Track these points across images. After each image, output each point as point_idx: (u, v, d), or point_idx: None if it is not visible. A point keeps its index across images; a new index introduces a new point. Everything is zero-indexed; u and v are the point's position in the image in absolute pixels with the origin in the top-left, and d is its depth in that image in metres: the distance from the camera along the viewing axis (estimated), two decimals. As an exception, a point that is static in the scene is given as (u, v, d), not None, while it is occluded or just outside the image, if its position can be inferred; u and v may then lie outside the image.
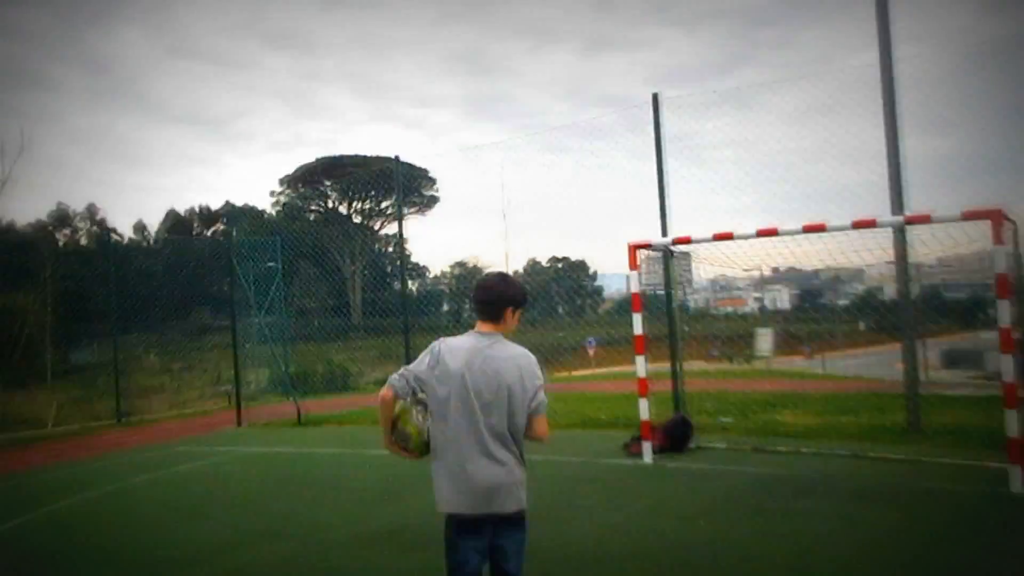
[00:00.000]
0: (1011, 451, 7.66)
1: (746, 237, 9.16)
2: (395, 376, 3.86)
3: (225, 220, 65.93)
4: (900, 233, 10.62)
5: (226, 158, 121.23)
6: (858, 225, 8.44)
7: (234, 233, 20.18)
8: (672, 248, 10.58)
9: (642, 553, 6.45)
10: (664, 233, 11.77)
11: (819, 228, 8.70)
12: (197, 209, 66.99)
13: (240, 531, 7.90)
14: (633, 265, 10.07)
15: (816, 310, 65.92)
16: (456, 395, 3.72)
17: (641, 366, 10.08)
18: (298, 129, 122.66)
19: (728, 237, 9.24)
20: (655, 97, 12.01)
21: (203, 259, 61.90)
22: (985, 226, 7.72)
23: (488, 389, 3.72)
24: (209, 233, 68.85)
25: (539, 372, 3.87)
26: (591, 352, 39.65)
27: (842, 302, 69.09)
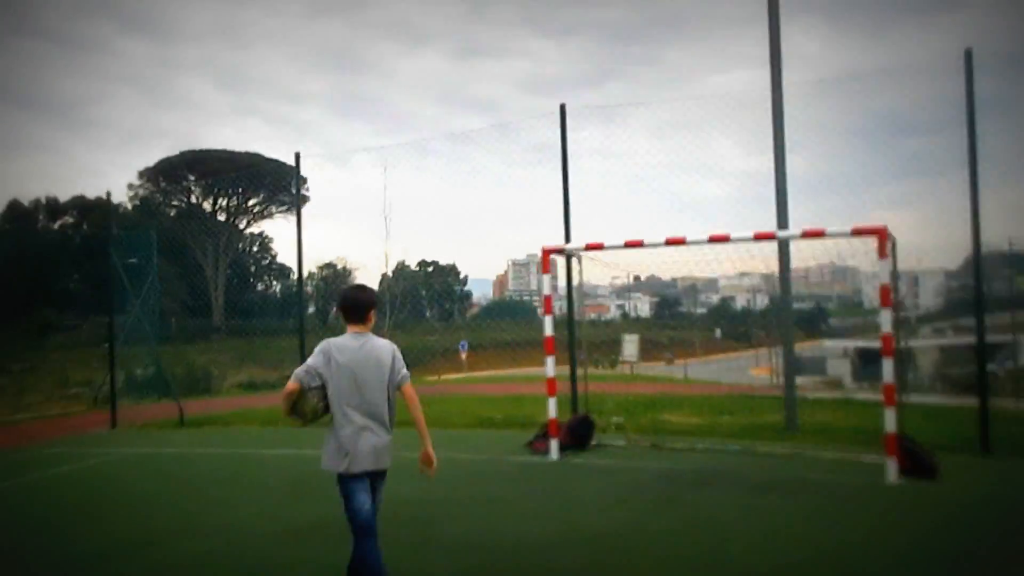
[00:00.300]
0: (888, 446, 8.48)
1: (655, 245, 9.71)
2: (301, 371, 4.87)
3: (76, 213, 62.32)
4: (786, 246, 11.49)
5: (75, 147, 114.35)
6: (759, 237, 9.14)
7: (114, 227, 19.14)
8: (580, 253, 11.02)
9: (566, 540, 6.78)
10: (567, 239, 12.20)
11: (723, 239, 9.35)
12: (43, 200, 62.89)
13: (149, 530, 7.66)
14: (546, 268, 10.46)
15: (674, 318, 68.84)
16: (348, 382, 4.84)
17: (550, 367, 10.48)
18: (155, 119, 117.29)
19: (638, 244, 9.75)
20: (562, 108, 12.46)
21: (47, 254, 58.34)
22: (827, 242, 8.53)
23: (371, 375, 4.89)
24: (56, 226, 64.85)
25: (400, 356, 5.17)
26: (463, 356, 40.03)
27: (699, 311, 72.62)
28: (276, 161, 57.31)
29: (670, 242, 9.59)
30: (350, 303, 5.09)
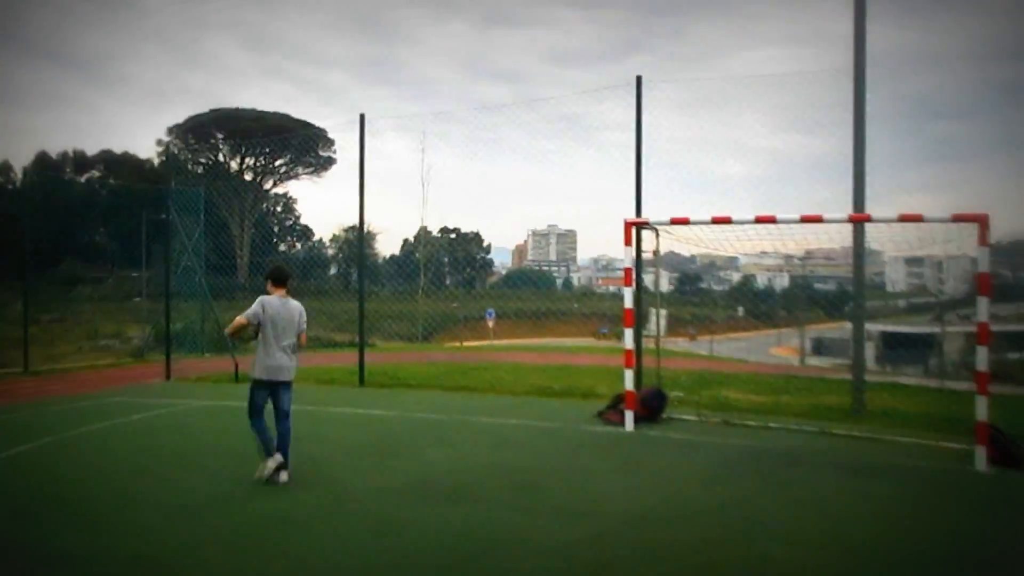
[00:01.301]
0: (978, 434, 8.49)
1: (743, 223, 9.67)
2: (250, 313, 7.68)
3: (103, 167, 62.47)
4: (861, 231, 11.44)
5: (100, 102, 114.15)
6: (854, 219, 9.10)
7: (173, 182, 19.18)
8: (660, 227, 11.00)
9: (675, 515, 6.84)
10: (638, 212, 12.18)
11: (815, 219, 9.32)
12: (71, 153, 63.04)
13: (247, 483, 7.76)
14: (628, 241, 10.45)
15: (696, 294, 68.67)
16: (272, 324, 7.68)
17: (628, 338, 10.52)
18: (181, 78, 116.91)
19: (726, 221, 9.72)
20: (638, 79, 12.38)
21: (74, 206, 58.53)
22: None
23: (286, 322, 7.78)
24: (83, 179, 64.99)
25: (304, 313, 7.99)
26: (491, 324, 40.07)
27: (718, 288, 72.47)
28: (304, 122, 57.28)
29: (760, 220, 9.55)
30: (279, 275, 7.99)
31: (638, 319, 12.38)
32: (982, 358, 8.54)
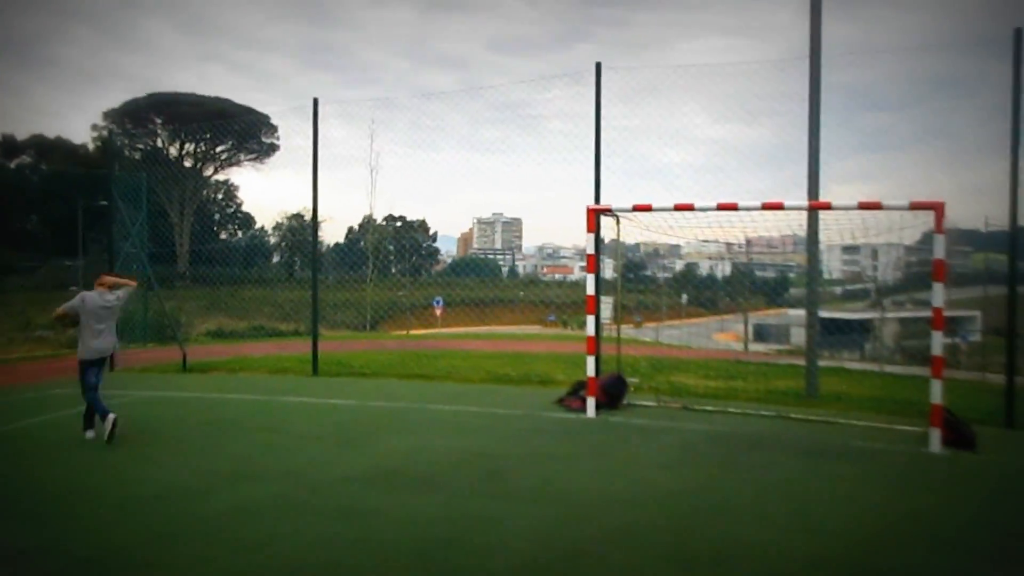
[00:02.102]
0: (933, 416, 8.69)
1: (706, 209, 9.71)
2: (68, 306, 9.10)
3: (34, 152, 60.53)
4: (815, 219, 11.62)
5: (30, 86, 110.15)
6: (815, 207, 9.22)
7: (116, 167, 18.58)
8: (621, 215, 10.99)
9: (642, 498, 6.85)
10: (597, 199, 12.18)
11: (776, 207, 9.41)
12: (-1, 138, 60.76)
13: (208, 472, 7.56)
14: (591, 227, 10.43)
15: (640, 282, 69.27)
16: (93, 315, 9.04)
17: (591, 325, 10.51)
18: (114, 61, 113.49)
19: (689, 208, 9.75)
20: (598, 66, 12.35)
21: (3, 193, 56.46)
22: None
23: (105, 312, 9.18)
24: (12, 165, 62.74)
25: (122, 296, 9.49)
26: (438, 312, 39.91)
27: (662, 275, 73.24)
28: (247, 107, 56.15)
29: (721, 207, 9.60)
30: (105, 280, 9.63)
31: (599, 306, 12.40)
32: (937, 343, 8.74)
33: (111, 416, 8.86)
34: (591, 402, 10.39)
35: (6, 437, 9.50)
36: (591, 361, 10.47)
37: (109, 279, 9.67)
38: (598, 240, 12.07)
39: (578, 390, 11.01)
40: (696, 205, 9.72)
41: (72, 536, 5.82)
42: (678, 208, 9.82)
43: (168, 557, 5.37)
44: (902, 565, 5.32)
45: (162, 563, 5.26)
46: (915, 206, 8.75)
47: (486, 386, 13.64)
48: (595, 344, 10.59)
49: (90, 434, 9.10)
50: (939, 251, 8.62)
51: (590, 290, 10.48)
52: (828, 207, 9.46)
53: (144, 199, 20.82)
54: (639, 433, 9.55)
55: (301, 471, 7.67)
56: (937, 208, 8.57)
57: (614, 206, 10.65)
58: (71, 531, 5.95)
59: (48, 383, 14.37)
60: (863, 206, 8.96)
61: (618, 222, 11.20)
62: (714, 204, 9.62)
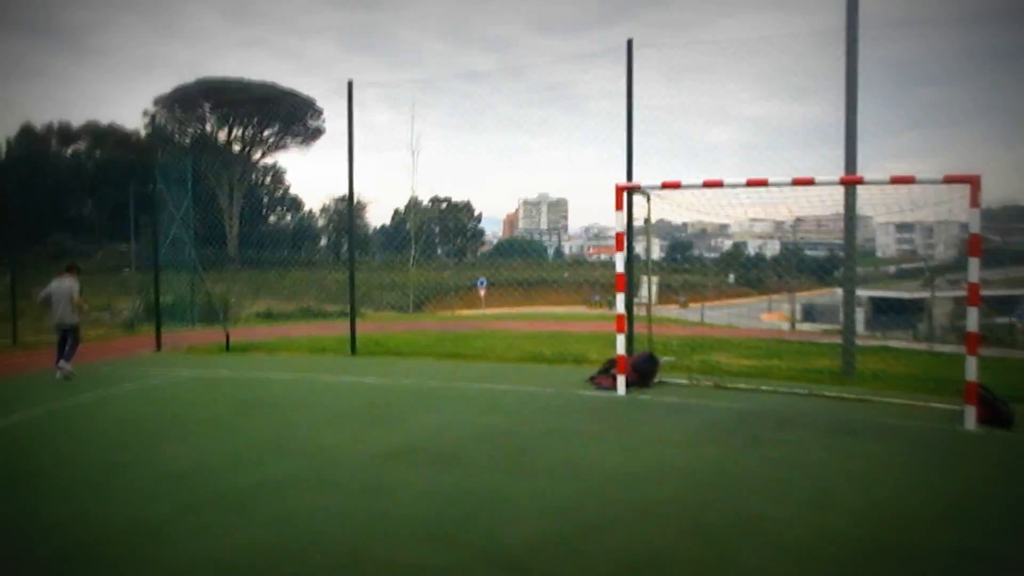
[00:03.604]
0: (967, 393, 8.53)
1: (735, 186, 9.61)
2: (45, 292, 12.47)
3: (89, 139, 61.96)
4: (853, 193, 11.41)
5: (81, 74, 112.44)
6: (845, 181, 9.06)
7: (160, 153, 18.97)
8: (651, 191, 10.94)
9: (661, 473, 6.87)
10: (629, 177, 12.12)
11: (807, 182, 9.27)
12: (56, 125, 62.30)
13: (237, 449, 7.75)
14: (619, 206, 10.40)
15: (687, 262, 68.72)
16: (56, 297, 12.32)
17: (620, 303, 10.51)
18: (161, 49, 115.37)
19: (718, 184, 9.67)
20: (629, 43, 12.26)
21: (61, 179, 57.99)
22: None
23: (63, 295, 12.30)
24: (69, 152, 64.33)
25: (76, 287, 12.48)
26: (482, 293, 40.07)
27: (711, 255, 72.58)
28: (292, 92, 56.72)
29: (751, 183, 9.50)
30: (69, 263, 12.97)
31: (629, 285, 12.38)
32: (972, 319, 8.56)
33: (62, 363, 12.15)
34: (621, 380, 10.40)
35: (55, 414, 9.81)
36: (621, 339, 10.47)
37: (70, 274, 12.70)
38: (630, 218, 12.07)
39: (609, 368, 11.01)
40: (725, 182, 9.63)
41: (108, 508, 6.04)
42: (707, 185, 9.73)
43: (194, 529, 5.55)
44: (919, 543, 5.27)
45: (188, 535, 5.44)
46: (949, 179, 8.55)
47: (520, 365, 13.72)
48: (625, 323, 10.56)
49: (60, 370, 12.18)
50: (975, 226, 8.42)
51: (619, 268, 10.45)
52: (860, 182, 9.30)
53: (189, 183, 21.24)
54: (666, 411, 9.53)
55: (328, 448, 7.82)
56: (972, 181, 8.36)
57: (644, 184, 10.59)
58: (107, 503, 6.17)
59: (98, 363, 14.75)
60: (895, 180, 8.79)
61: (649, 200, 11.14)
62: (743, 181, 9.52)
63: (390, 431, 8.57)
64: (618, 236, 10.50)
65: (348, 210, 16.38)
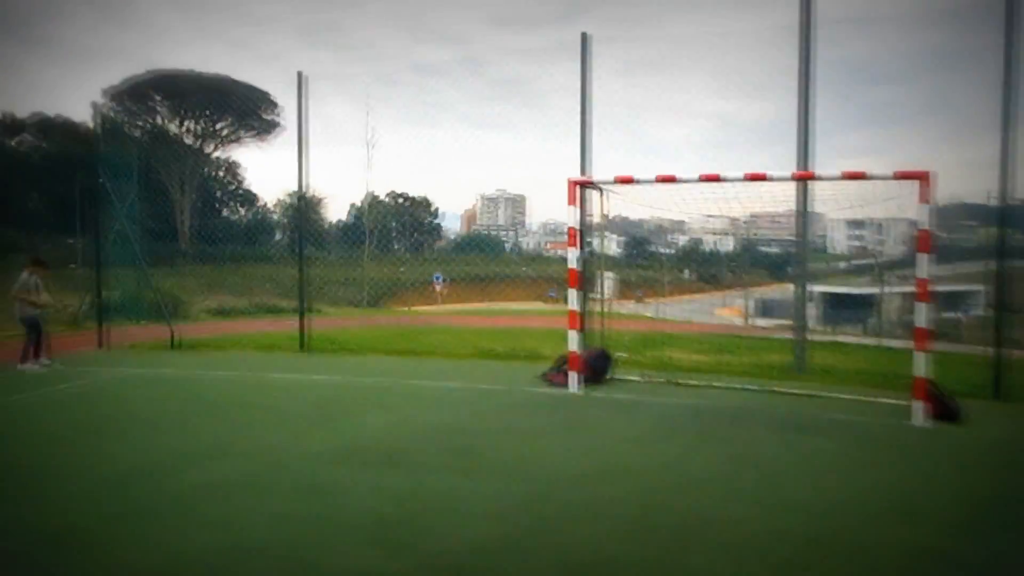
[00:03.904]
0: (916, 389, 8.57)
1: (688, 181, 9.56)
2: (17, 285, 12.53)
3: (36, 130, 60.36)
4: (804, 190, 11.44)
5: (28, 63, 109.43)
6: (798, 177, 9.05)
7: (102, 146, 18.42)
8: (605, 187, 10.85)
9: (610, 472, 6.78)
10: (583, 172, 12.03)
11: (760, 177, 9.24)
12: (0, 116, 60.52)
13: (181, 450, 7.50)
14: (571, 200, 10.28)
15: (644, 257, 69.01)
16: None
17: (573, 299, 10.39)
18: (112, 39, 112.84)
19: (671, 180, 9.59)
20: (584, 36, 12.15)
21: (5, 172, 56.38)
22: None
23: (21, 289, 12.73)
24: (14, 143, 62.58)
25: (18, 281, 12.67)
26: (438, 289, 39.80)
27: (667, 251, 72.97)
28: (247, 84, 55.78)
29: (704, 178, 9.44)
30: (42, 258, 13.70)
31: (583, 280, 12.30)
32: (921, 315, 8.59)
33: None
34: (573, 377, 10.29)
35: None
36: (573, 335, 10.36)
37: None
38: (584, 213, 11.97)
39: (562, 365, 10.90)
40: (678, 177, 9.57)
41: (38, 514, 5.77)
42: (660, 180, 9.65)
43: (132, 534, 5.31)
44: (867, 538, 5.23)
45: (125, 541, 5.20)
46: (900, 176, 8.58)
47: (473, 362, 13.57)
48: (578, 319, 10.46)
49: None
50: (924, 221, 8.46)
51: (572, 264, 10.34)
52: (811, 177, 9.31)
53: (134, 176, 20.66)
54: (618, 408, 9.46)
55: (272, 448, 7.60)
56: (922, 178, 8.40)
57: (597, 179, 10.49)
58: (35, 509, 5.90)
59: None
60: (847, 176, 8.80)
61: (603, 195, 11.05)
62: (696, 176, 9.46)
63: (336, 431, 8.37)
64: (571, 231, 10.38)
65: (298, 205, 16.05)
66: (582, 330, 11.76)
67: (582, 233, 11.83)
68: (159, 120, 57.76)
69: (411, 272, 45.41)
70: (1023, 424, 9.37)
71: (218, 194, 65.00)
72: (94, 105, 18.98)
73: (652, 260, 65.58)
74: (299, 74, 14.43)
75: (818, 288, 46.86)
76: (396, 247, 59.68)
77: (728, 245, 68.69)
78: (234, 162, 64.53)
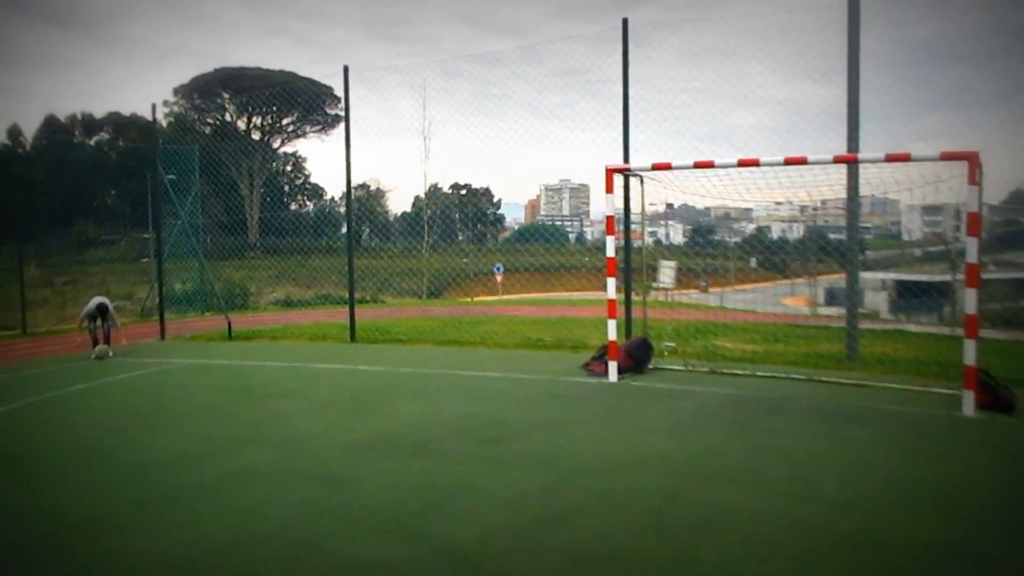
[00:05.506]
0: (966, 378, 8.22)
1: (726, 166, 9.33)
2: (85, 311, 14.10)
3: (111, 129, 62.47)
4: (855, 173, 11.07)
5: (104, 64, 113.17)
6: (839, 160, 8.75)
7: (160, 141, 18.94)
8: (643, 174, 10.69)
9: (640, 463, 6.67)
10: (626, 160, 11.87)
11: (800, 161, 8.96)
12: (79, 116, 62.86)
13: (215, 438, 7.71)
14: (609, 188, 10.14)
15: (710, 246, 67.99)
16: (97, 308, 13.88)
17: (611, 288, 10.28)
18: (183, 38, 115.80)
19: (708, 165, 9.38)
20: (624, 22, 11.97)
21: (84, 169, 58.53)
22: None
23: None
24: (92, 142, 64.91)
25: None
26: (499, 279, 39.93)
27: (733, 240, 71.72)
28: (310, 80, 56.79)
29: (743, 163, 9.21)
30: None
31: (629, 269, 12.19)
32: (971, 301, 8.24)
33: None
34: (612, 366, 10.18)
35: (44, 403, 9.82)
36: (612, 325, 10.24)
37: None
38: (628, 201, 11.87)
39: (603, 354, 10.80)
40: (716, 162, 9.35)
41: (68, 500, 5.98)
42: (698, 166, 9.44)
43: (154, 520, 5.46)
44: (890, 532, 5.03)
45: (148, 526, 5.35)
46: (946, 156, 8.21)
47: (518, 351, 13.54)
48: (616, 308, 10.33)
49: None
50: (972, 204, 8.09)
51: (610, 252, 10.20)
52: (853, 160, 8.97)
53: (196, 171, 21.21)
54: (656, 397, 9.31)
55: (303, 437, 7.71)
56: (970, 158, 8.03)
57: (634, 166, 10.33)
58: (68, 494, 6.12)
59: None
60: (891, 158, 8.46)
61: (642, 183, 10.89)
62: (735, 161, 9.24)
63: (369, 420, 8.43)
64: (608, 219, 10.25)
65: (346, 196, 16.25)
66: (627, 319, 11.66)
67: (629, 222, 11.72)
68: (227, 116, 59.18)
69: (474, 263, 45.64)
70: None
71: (286, 188, 66.39)
72: (153, 106, 19.49)
73: (717, 248, 64.61)
74: (345, 68, 14.59)
75: (891, 276, 45.48)
76: (460, 238, 60.08)
77: (796, 232, 67.13)
78: (300, 156, 65.80)
